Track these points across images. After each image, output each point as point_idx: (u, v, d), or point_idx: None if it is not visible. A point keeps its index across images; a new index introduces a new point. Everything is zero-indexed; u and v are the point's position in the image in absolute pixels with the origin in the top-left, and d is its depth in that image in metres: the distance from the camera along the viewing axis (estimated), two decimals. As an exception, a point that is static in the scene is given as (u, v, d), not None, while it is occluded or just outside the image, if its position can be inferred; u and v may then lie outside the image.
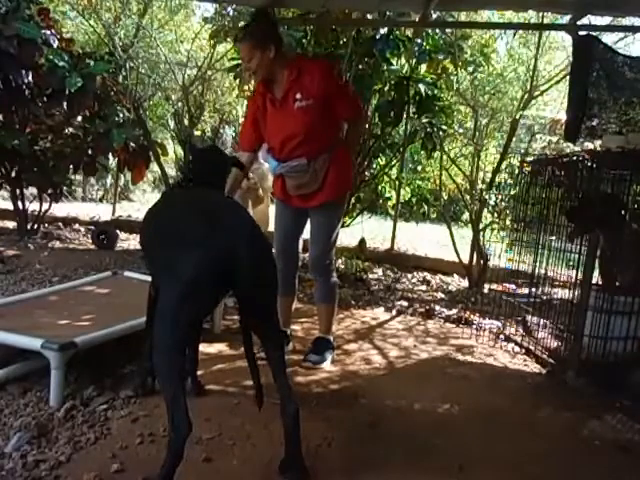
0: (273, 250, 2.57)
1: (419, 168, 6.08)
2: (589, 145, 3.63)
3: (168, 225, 1.71)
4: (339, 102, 2.52)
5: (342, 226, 3.44)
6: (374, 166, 5.18)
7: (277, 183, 2.68)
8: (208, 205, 1.69)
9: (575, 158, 2.90)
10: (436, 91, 4.63)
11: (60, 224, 5.89)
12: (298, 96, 2.44)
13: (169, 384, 1.46)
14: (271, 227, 3.66)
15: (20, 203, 5.02)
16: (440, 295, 4.45)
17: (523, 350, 3.14)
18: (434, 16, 4.25)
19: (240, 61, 4.49)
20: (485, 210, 4.70)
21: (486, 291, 4.31)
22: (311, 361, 2.61)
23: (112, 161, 5.84)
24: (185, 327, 1.49)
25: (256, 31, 2.44)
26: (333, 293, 2.74)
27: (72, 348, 2.00)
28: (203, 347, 2.64)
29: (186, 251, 1.48)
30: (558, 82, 4.86)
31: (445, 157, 4.97)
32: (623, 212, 2.76)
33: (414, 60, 4.62)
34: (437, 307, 3.95)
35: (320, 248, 2.64)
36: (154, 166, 5.87)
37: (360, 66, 4.36)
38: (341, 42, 4.37)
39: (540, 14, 4.52)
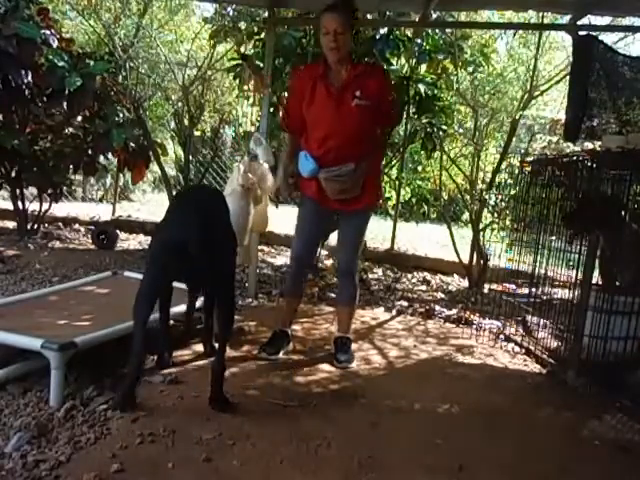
0: (290, 251, 2.66)
1: (419, 168, 6.08)
2: (589, 145, 3.63)
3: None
4: (385, 110, 2.49)
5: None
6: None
7: (310, 184, 2.55)
8: (186, 204, 2.15)
9: (575, 158, 2.90)
10: (436, 91, 4.63)
11: (60, 224, 5.88)
12: (358, 93, 2.38)
13: (136, 318, 2.01)
14: (270, 227, 3.67)
15: (20, 203, 5.01)
16: (440, 295, 4.45)
17: (523, 350, 3.14)
18: (434, 16, 4.26)
19: (247, 57, 4.50)
20: (485, 210, 4.70)
21: (486, 291, 4.31)
22: (345, 361, 2.64)
23: (113, 160, 5.82)
24: (154, 287, 2.08)
25: (351, 11, 2.36)
26: (356, 294, 2.78)
27: (72, 348, 2.00)
28: (202, 347, 2.64)
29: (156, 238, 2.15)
30: (558, 82, 4.86)
31: (445, 157, 4.97)
32: (623, 212, 2.77)
33: (414, 60, 4.62)
34: (437, 307, 3.94)
35: (352, 252, 2.64)
36: (154, 166, 5.86)
37: (360, 66, 4.36)
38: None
39: (540, 14, 4.53)
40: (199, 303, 2.80)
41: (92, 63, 4.58)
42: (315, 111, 2.46)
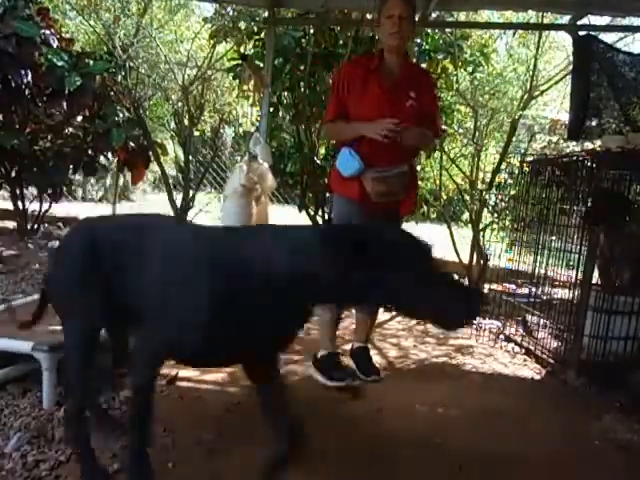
0: None
1: (419, 168, 6.05)
2: (589, 145, 3.64)
3: None
4: (431, 121, 2.39)
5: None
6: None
7: (351, 184, 2.33)
8: None
9: (575, 158, 2.90)
10: (435, 91, 4.63)
11: (60, 224, 5.88)
12: (412, 94, 2.27)
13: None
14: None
15: (20, 203, 5.01)
16: (440, 295, 4.44)
17: (523, 350, 3.14)
18: (434, 16, 4.26)
19: (239, 59, 4.50)
20: (485, 210, 4.70)
21: (486, 291, 4.31)
22: (375, 374, 2.52)
23: (113, 160, 5.81)
24: None
25: (412, 1, 2.25)
26: None
27: (62, 349, 1.98)
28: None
29: None
30: (558, 82, 4.86)
31: (445, 157, 4.97)
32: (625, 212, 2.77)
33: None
34: (437, 307, 3.93)
35: None
36: (154, 166, 5.85)
37: (360, 66, 4.36)
38: (341, 42, 4.37)
39: (540, 14, 4.53)
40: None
41: (92, 63, 4.58)
42: (365, 106, 2.28)
